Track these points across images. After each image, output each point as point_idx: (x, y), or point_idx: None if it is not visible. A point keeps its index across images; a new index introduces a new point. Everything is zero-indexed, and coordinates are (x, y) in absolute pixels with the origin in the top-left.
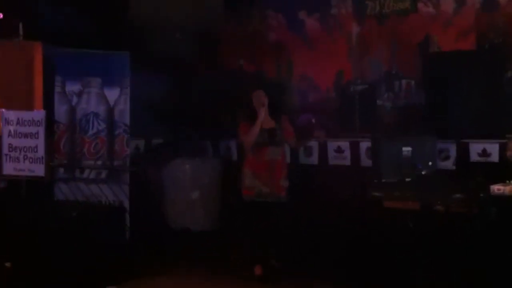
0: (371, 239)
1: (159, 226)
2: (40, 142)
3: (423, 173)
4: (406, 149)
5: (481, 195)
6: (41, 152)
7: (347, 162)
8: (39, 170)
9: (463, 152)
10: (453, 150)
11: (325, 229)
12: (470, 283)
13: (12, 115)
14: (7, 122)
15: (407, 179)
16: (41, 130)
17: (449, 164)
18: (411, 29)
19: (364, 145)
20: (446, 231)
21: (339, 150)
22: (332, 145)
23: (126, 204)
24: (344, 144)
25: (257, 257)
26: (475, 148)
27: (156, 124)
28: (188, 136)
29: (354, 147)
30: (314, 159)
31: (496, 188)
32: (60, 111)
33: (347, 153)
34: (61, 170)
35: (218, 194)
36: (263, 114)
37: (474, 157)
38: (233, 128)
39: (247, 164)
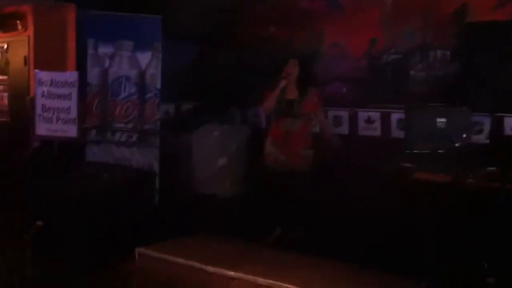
0: (401, 211)
1: (187, 190)
2: (73, 104)
3: (456, 145)
4: (440, 120)
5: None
6: (73, 113)
7: (378, 132)
8: (72, 131)
9: (497, 125)
10: (487, 123)
11: (351, 201)
12: (500, 258)
13: (45, 76)
14: (41, 83)
15: (440, 151)
16: (74, 92)
17: (482, 138)
18: None
19: (396, 116)
20: (477, 205)
21: (369, 120)
22: (362, 115)
23: (156, 167)
24: (375, 115)
25: (277, 223)
26: (510, 122)
27: (186, 89)
28: (217, 102)
29: (385, 118)
30: (344, 129)
31: None
32: (93, 73)
33: (378, 124)
34: (93, 132)
35: (245, 161)
36: (284, 83)
37: (508, 131)
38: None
39: (270, 131)
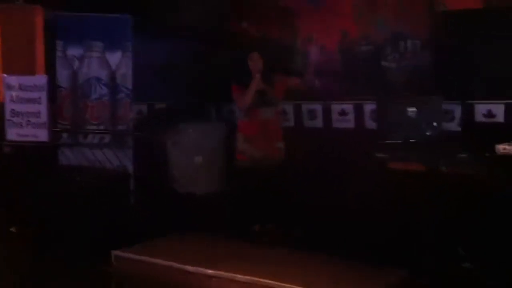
0: (375, 200)
1: (162, 190)
2: (43, 107)
3: (427, 134)
4: (411, 110)
5: (486, 155)
6: (44, 117)
7: (351, 124)
8: (43, 135)
9: (468, 113)
10: (458, 111)
11: (327, 192)
12: (476, 245)
13: (14, 80)
14: (9, 87)
15: (412, 140)
16: (44, 95)
17: (454, 126)
18: None
19: (369, 107)
20: (451, 192)
21: (343, 112)
22: (336, 107)
23: (130, 168)
24: (348, 107)
25: (255, 219)
26: (481, 109)
27: (159, 88)
28: (191, 100)
29: (358, 110)
30: (318, 123)
31: (502, 147)
32: (62, 75)
33: (351, 116)
34: (65, 135)
35: (221, 158)
36: (258, 79)
37: (479, 118)
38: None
39: (240, 128)
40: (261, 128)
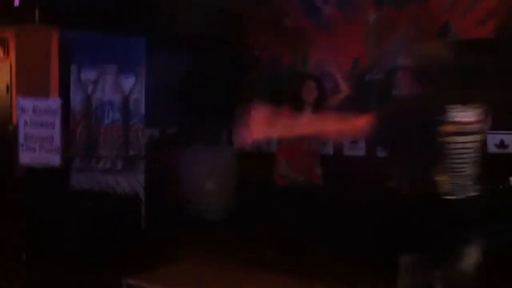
0: (388, 228)
1: (174, 215)
2: (56, 132)
3: None
4: None
5: (500, 186)
6: (57, 142)
7: (362, 153)
8: (55, 160)
9: None
10: None
11: (339, 220)
12: (488, 277)
13: (28, 103)
14: (23, 110)
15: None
16: (57, 120)
17: None
18: (429, 16)
19: None
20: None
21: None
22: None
23: (141, 193)
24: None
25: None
26: (493, 139)
27: (171, 113)
28: (202, 124)
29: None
30: (329, 149)
31: None
32: (76, 99)
33: (362, 144)
34: (77, 159)
35: (233, 182)
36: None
37: (491, 148)
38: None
39: (281, 153)
40: (305, 154)
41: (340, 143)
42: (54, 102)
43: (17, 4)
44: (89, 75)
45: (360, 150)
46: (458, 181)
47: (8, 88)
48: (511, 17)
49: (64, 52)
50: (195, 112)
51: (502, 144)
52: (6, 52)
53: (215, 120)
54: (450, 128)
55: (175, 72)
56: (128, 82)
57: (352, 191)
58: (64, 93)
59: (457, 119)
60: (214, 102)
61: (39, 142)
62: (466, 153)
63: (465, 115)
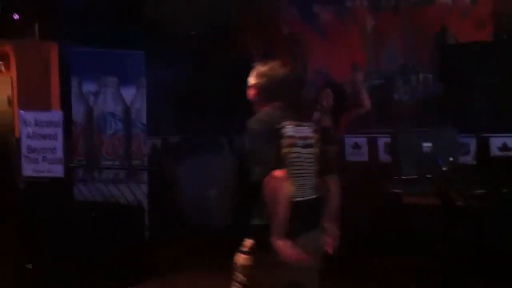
0: (390, 235)
1: (177, 224)
2: (59, 143)
3: (443, 168)
4: (426, 145)
5: (504, 190)
6: (59, 153)
7: (365, 158)
8: (58, 171)
9: (483, 146)
10: (472, 144)
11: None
12: (492, 279)
13: (30, 116)
14: (26, 123)
15: (427, 175)
16: (59, 131)
17: (468, 159)
18: (427, 21)
19: (382, 140)
20: (467, 227)
21: (356, 146)
22: (349, 141)
23: (145, 203)
24: (361, 140)
25: None
26: (496, 142)
27: (173, 122)
28: (204, 133)
29: (372, 143)
30: None
31: None
32: (78, 111)
33: (365, 149)
34: (80, 170)
35: (235, 190)
36: (318, 116)
37: (494, 151)
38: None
39: None
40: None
41: None
42: (56, 114)
43: (17, 18)
44: (90, 87)
45: None
46: (300, 185)
47: (10, 102)
48: (509, 20)
49: (65, 65)
50: (196, 121)
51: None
52: (7, 66)
53: (217, 128)
54: (290, 140)
55: (176, 82)
56: (129, 93)
57: None
58: (66, 106)
59: (297, 134)
60: (216, 111)
61: (42, 153)
62: (305, 162)
63: (303, 130)
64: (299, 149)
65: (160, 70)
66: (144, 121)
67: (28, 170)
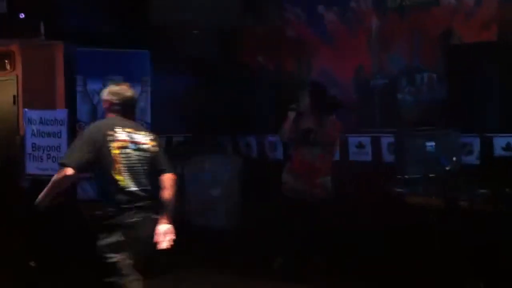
0: (393, 235)
1: (179, 224)
2: (63, 141)
3: (447, 168)
4: (430, 144)
5: (507, 190)
6: (64, 151)
7: (369, 157)
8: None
9: (487, 146)
10: (476, 144)
11: (346, 226)
12: (495, 281)
13: (35, 114)
14: (30, 121)
15: (431, 175)
16: (64, 129)
17: (472, 159)
18: (432, 22)
19: (386, 140)
20: (471, 228)
21: (360, 145)
22: (353, 140)
23: None
24: (366, 140)
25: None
26: (500, 142)
27: (177, 121)
28: (208, 133)
29: (376, 143)
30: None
31: None
32: (82, 110)
33: (369, 149)
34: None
35: (238, 191)
36: (292, 116)
37: (498, 151)
38: (252, 125)
39: (289, 159)
40: (300, 165)
41: None
42: (61, 112)
43: (23, 17)
44: (94, 86)
45: None
46: (131, 178)
47: (15, 100)
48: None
49: (70, 64)
50: (200, 121)
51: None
52: (13, 65)
53: (220, 128)
54: (121, 143)
55: (180, 82)
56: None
57: None
58: (71, 104)
59: (129, 139)
60: (220, 112)
61: (47, 151)
62: (136, 162)
63: (137, 137)
64: (130, 151)
65: (166, 70)
66: (149, 120)
67: (32, 168)
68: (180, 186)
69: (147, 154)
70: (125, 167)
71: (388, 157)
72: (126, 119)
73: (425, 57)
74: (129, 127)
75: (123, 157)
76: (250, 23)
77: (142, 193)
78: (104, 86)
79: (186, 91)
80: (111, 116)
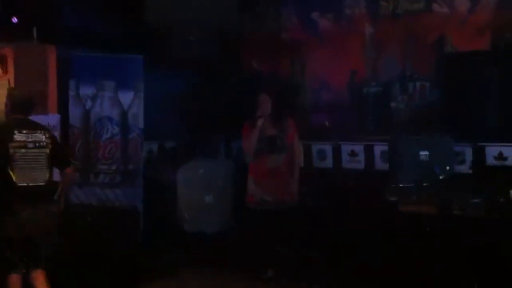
0: (386, 244)
1: (172, 229)
2: None
3: (440, 177)
4: (423, 153)
5: (501, 199)
6: None
7: (361, 165)
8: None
9: (479, 155)
10: (469, 153)
11: (338, 234)
12: (488, 285)
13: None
14: None
15: (424, 184)
16: (56, 135)
17: (465, 168)
18: (425, 29)
19: (379, 148)
20: (464, 236)
21: (352, 153)
22: (346, 148)
23: (140, 207)
24: (358, 147)
25: (268, 261)
26: (491, 151)
27: (169, 127)
28: (201, 138)
29: (369, 150)
30: (328, 163)
31: None
32: (75, 115)
33: (361, 157)
34: (76, 174)
35: (231, 196)
36: (260, 123)
37: (490, 160)
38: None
39: (250, 170)
40: (269, 174)
41: None
42: (53, 118)
43: (16, 21)
44: (87, 90)
45: None
46: (27, 174)
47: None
48: (507, 28)
49: (63, 69)
50: (193, 126)
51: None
52: (5, 69)
53: (212, 133)
54: (18, 144)
55: (173, 87)
56: (126, 97)
57: None
58: (63, 109)
59: (27, 139)
60: (212, 116)
61: None
62: (34, 159)
63: (35, 136)
64: (26, 150)
65: (159, 75)
66: (141, 125)
67: None
68: (173, 191)
69: (45, 151)
70: (20, 165)
71: (381, 165)
72: (24, 118)
73: (419, 65)
74: (26, 127)
75: (19, 156)
76: (246, 28)
77: (36, 188)
78: (97, 90)
79: (179, 96)
80: (11, 117)
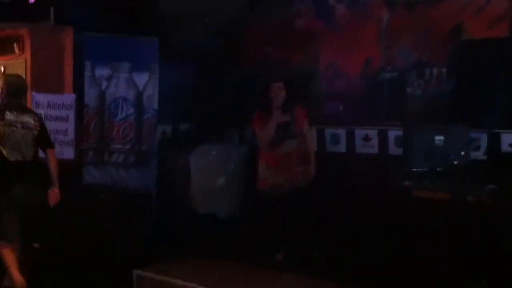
0: (398, 229)
1: (184, 211)
2: (70, 126)
3: (455, 163)
4: (438, 138)
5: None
6: (71, 135)
7: (375, 150)
8: (69, 153)
9: (494, 142)
10: (484, 140)
11: (350, 219)
12: (503, 277)
13: (43, 98)
14: (38, 105)
15: (438, 169)
16: (71, 114)
17: (479, 154)
18: (442, 16)
19: (392, 133)
20: (478, 223)
21: (366, 138)
22: (359, 133)
23: (153, 188)
24: (372, 132)
25: (279, 245)
26: (507, 138)
27: (184, 109)
28: (214, 122)
29: (382, 136)
30: (342, 147)
31: None
32: (90, 95)
33: (375, 142)
34: (90, 153)
35: (243, 181)
36: (278, 113)
37: (505, 147)
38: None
39: (262, 157)
40: (283, 159)
41: None
42: (68, 97)
43: (32, 1)
44: (103, 71)
45: None
46: (15, 151)
47: None
48: None
49: (78, 49)
50: (207, 109)
51: None
52: (22, 49)
53: (226, 117)
54: (8, 122)
55: (187, 70)
56: (141, 79)
57: None
58: (78, 89)
59: (15, 119)
60: (226, 100)
61: (53, 135)
62: (22, 138)
63: (23, 118)
64: (15, 129)
65: (174, 58)
66: (156, 107)
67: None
68: (186, 174)
69: (32, 132)
70: (10, 141)
71: (394, 150)
72: (17, 102)
73: (435, 52)
74: (15, 109)
75: (8, 134)
76: (259, 15)
77: (23, 164)
78: (113, 71)
79: (194, 79)
80: (5, 101)
